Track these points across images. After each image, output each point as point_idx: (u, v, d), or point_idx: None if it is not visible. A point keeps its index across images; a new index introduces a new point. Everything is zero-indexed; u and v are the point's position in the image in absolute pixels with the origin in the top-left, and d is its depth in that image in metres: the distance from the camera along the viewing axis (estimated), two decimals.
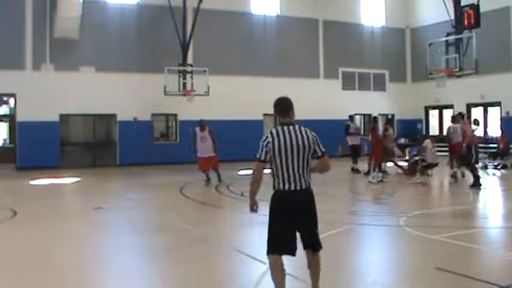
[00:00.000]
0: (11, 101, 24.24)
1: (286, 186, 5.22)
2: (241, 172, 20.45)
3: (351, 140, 20.33)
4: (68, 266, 7.22)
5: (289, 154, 5.19)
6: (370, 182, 16.21)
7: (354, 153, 20.14)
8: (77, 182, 18.56)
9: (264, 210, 5.40)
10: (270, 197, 5.28)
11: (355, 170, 19.44)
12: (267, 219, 5.29)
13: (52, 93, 22.97)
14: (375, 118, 19.26)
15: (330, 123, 22.34)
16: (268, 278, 6.20)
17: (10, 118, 24.61)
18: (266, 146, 5.19)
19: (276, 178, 5.25)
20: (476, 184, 14.34)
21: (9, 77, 22.44)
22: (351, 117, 21.25)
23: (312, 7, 28.38)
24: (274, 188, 5.29)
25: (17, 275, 6.78)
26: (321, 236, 5.36)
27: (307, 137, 5.26)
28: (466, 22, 23.08)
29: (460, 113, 17.74)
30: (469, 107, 28.18)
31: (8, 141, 25.50)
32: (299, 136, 5.22)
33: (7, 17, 22.67)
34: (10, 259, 7.59)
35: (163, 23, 24.40)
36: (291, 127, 5.26)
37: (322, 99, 28.03)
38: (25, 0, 23.03)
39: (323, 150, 5.34)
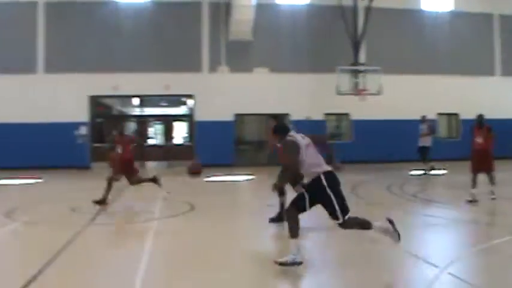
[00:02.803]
0: (190, 101, 25.60)
1: None
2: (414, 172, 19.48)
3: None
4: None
5: None
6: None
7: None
8: (251, 179, 18.97)
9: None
10: None
11: None
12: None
13: (227, 94, 23.91)
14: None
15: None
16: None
17: (189, 118, 26.00)
18: None
19: None
20: None
21: (188, 79, 23.92)
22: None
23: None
24: None
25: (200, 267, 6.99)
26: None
27: None
28: None
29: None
30: None
31: (187, 139, 26.94)
32: None
33: (184, 26, 24.17)
34: (187, 248, 7.92)
35: (333, 22, 24.07)
36: None
37: (498, 98, 25.96)
38: (201, 7, 24.37)
39: None
